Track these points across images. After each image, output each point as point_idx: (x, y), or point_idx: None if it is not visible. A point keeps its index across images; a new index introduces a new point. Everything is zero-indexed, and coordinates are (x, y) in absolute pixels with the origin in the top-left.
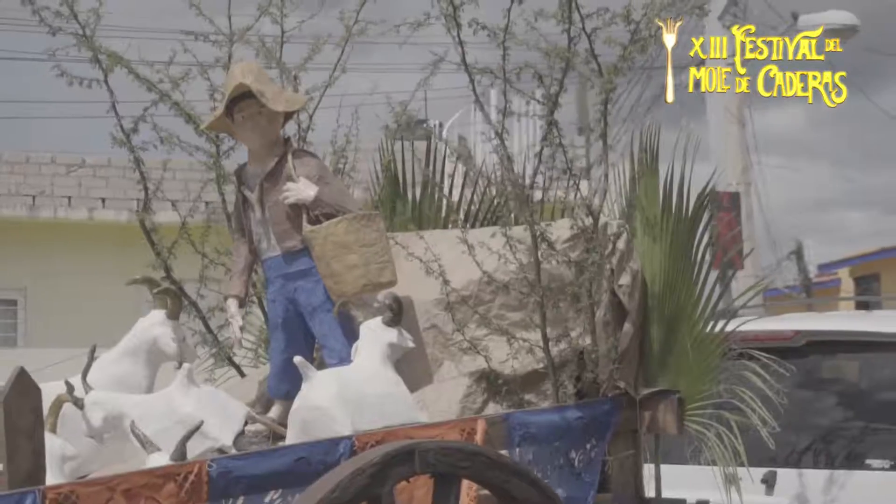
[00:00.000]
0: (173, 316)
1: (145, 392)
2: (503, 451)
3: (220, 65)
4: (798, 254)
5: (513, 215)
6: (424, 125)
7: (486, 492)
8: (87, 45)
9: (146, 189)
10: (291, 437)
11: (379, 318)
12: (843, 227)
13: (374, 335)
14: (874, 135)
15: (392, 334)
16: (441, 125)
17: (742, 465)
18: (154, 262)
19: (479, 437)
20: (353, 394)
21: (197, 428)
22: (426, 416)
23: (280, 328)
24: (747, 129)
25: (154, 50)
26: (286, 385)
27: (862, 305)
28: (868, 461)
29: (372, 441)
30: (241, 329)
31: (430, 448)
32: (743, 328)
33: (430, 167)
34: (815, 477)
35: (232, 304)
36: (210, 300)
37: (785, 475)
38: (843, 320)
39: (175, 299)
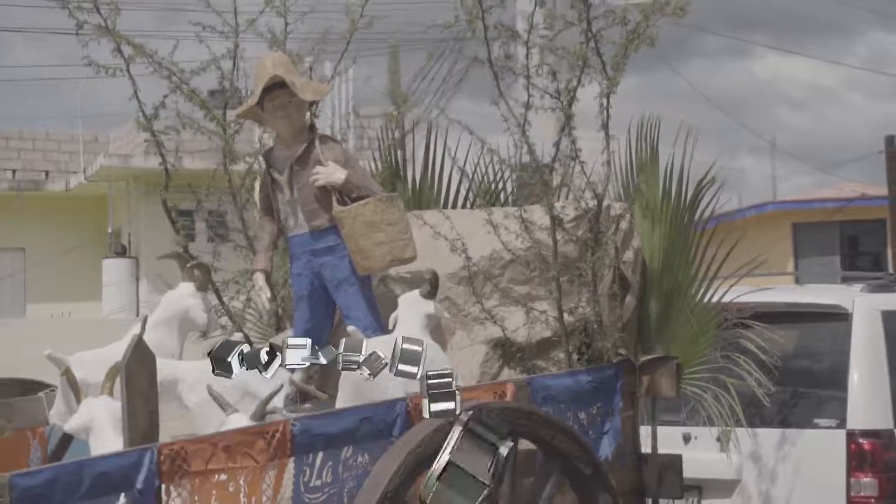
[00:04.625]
0: (202, 288)
1: (177, 359)
2: None
3: (229, 56)
4: None
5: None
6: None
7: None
8: (110, 36)
9: (166, 170)
10: (343, 400)
11: (417, 291)
12: None
13: (414, 307)
14: (680, 107)
15: (430, 306)
16: None
17: (739, 424)
18: (175, 238)
19: (508, 399)
20: None
21: (277, 391)
22: (462, 380)
23: (304, 300)
24: None
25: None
26: None
27: None
28: (816, 420)
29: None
30: (270, 300)
31: (494, 409)
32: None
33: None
34: (767, 436)
35: (259, 278)
36: (223, 274)
37: (738, 434)
38: (783, 293)
39: (204, 273)
